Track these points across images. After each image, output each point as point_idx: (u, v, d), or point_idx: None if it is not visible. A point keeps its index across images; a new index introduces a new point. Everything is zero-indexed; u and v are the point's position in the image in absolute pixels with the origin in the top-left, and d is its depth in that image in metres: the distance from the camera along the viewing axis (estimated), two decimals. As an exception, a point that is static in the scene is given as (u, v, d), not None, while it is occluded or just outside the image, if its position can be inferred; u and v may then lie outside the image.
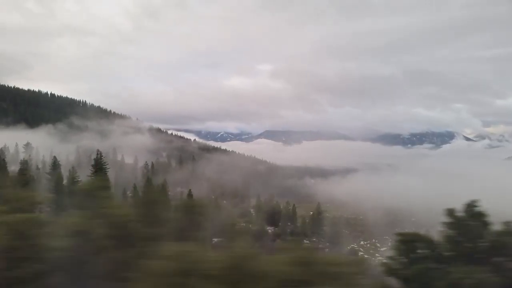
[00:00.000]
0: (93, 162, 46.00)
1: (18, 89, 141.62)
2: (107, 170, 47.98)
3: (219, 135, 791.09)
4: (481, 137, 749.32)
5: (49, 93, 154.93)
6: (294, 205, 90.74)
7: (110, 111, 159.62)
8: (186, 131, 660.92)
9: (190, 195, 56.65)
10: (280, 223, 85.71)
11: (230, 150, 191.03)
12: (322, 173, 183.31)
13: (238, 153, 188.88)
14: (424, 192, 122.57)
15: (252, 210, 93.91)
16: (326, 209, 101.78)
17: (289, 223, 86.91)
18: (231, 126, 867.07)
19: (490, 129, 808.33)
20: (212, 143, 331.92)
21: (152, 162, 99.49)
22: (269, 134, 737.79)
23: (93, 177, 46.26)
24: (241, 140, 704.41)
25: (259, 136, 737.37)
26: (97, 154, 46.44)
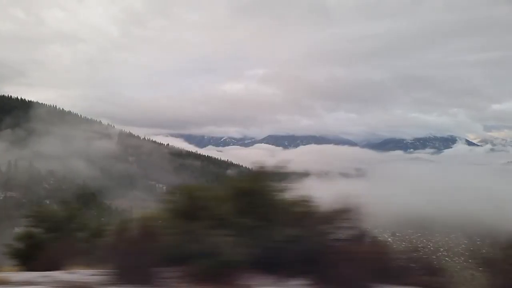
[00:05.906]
0: None
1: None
2: None
3: (222, 140, 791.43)
4: (485, 141, 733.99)
5: (19, 98, 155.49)
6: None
7: (80, 115, 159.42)
8: (188, 136, 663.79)
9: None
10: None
11: (206, 155, 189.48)
12: (298, 178, 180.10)
13: (214, 158, 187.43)
14: (385, 197, 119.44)
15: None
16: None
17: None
18: (235, 131, 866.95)
19: (493, 134, 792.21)
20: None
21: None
22: (272, 139, 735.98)
23: None
24: (244, 145, 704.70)
25: (262, 140, 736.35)
26: None
